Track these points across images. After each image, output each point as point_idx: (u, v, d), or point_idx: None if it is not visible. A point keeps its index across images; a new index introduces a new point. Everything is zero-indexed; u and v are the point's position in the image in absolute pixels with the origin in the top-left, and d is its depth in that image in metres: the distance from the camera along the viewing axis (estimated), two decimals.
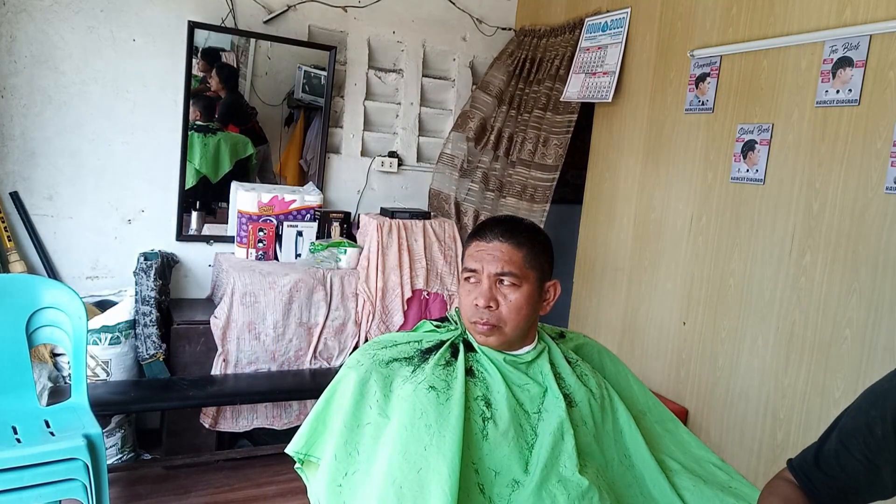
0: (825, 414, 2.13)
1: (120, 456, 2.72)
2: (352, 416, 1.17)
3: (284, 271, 2.90)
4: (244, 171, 3.25)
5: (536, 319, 1.35)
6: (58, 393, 2.43)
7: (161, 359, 2.68)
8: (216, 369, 2.78)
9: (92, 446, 1.92)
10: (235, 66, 3.19)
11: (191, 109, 3.03)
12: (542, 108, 3.27)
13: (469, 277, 1.28)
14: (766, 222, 2.34)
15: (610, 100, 3.00)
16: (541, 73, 3.35)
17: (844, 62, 2.08)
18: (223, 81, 3.17)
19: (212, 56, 3.12)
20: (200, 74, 3.08)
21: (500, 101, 3.50)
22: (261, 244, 3.07)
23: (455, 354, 1.27)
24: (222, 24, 3.02)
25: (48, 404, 2.25)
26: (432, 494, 1.06)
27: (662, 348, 2.78)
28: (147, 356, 2.66)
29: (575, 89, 3.17)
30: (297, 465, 1.27)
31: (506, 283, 1.26)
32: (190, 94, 2.99)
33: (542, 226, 3.14)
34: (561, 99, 3.22)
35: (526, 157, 3.27)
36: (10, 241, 2.74)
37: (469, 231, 1.41)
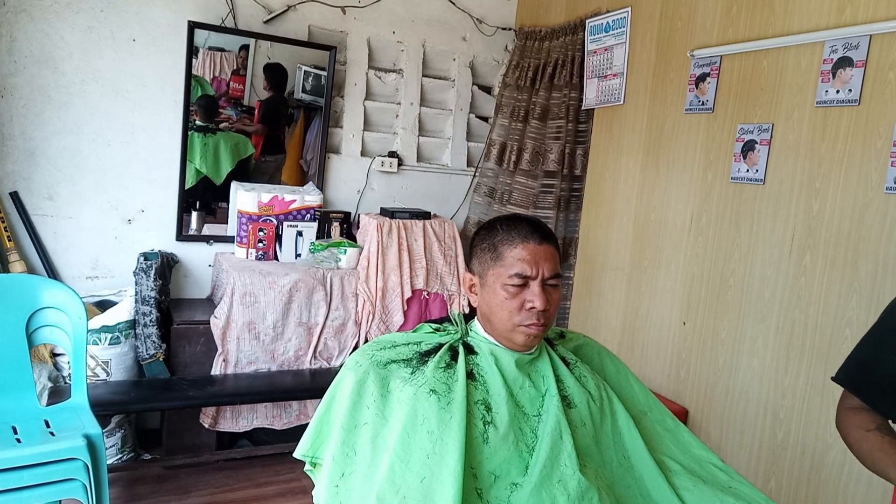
0: (825, 414, 2.13)
1: (120, 456, 2.72)
2: (349, 417, 1.17)
3: (284, 271, 2.90)
4: (244, 171, 3.26)
5: None
6: (58, 393, 2.43)
7: (161, 359, 2.68)
8: (216, 369, 2.78)
9: (92, 446, 1.92)
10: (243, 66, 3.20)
11: (191, 109, 3.03)
12: (562, 118, 3.29)
13: (519, 283, 1.23)
14: (766, 222, 2.34)
15: (622, 101, 3.01)
16: (554, 79, 3.34)
17: (844, 62, 2.08)
18: (269, 80, 3.22)
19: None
20: (236, 69, 3.14)
21: (513, 118, 3.51)
22: (261, 244, 3.07)
23: (455, 357, 1.27)
24: (222, 24, 3.02)
25: (48, 404, 2.25)
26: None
27: (662, 348, 2.78)
28: (147, 356, 2.66)
29: (592, 96, 3.20)
30: (306, 468, 1.27)
31: (552, 283, 1.25)
32: (190, 94, 2.99)
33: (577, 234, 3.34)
34: (582, 108, 3.24)
35: (552, 169, 3.29)
36: (10, 241, 2.74)
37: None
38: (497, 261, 1.26)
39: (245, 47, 3.15)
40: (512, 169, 3.44)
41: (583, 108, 3.25)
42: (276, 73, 3.24)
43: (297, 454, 1.25)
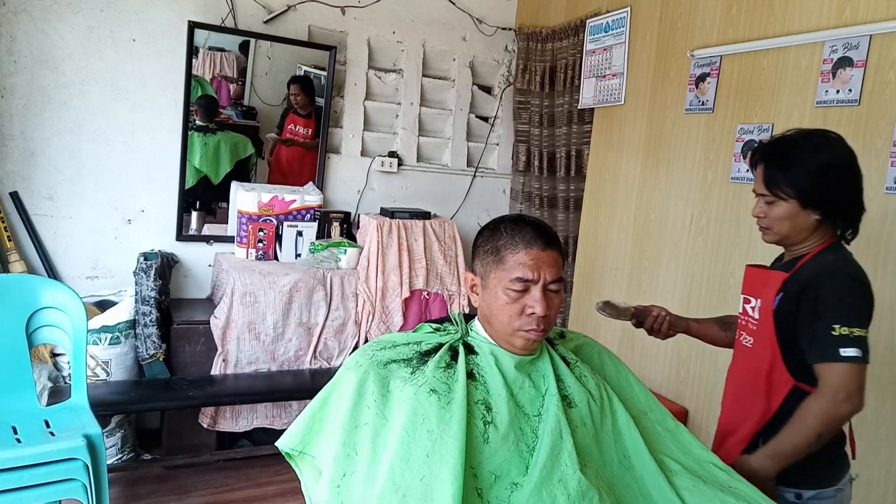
0: None
1: (120, 456, 2.72)
2: (349, 417, 1.17)
3: (284, 271, 2.89)
4: (243, 171, 3.26)
5: None
6: (58, 393, 2.43)
7: (161, 359, 2.68)
8: (216, 369, 2.78)
9: (92, 446, 1.92)
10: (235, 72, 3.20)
11: (191, 109, 3.03)
12: (567, 122, 3.35)
13: (520, 288, 1.22)
14: None
15: (623, 102, 3.01)
16: (565, 83, 3.38)
17: (844, 62, 2.08)
18: (306, 93, 3.30)
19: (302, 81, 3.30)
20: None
21: (532, 124, 3.59)
22: (261, 244, 3.07)
23: (455, 357, 1.26)
24: (222, 24, 3.02)
25: (48, 404, 2.25)
26: (436, 503, 1.05)
27: (662, 348, 2.78)
28: (147, 356, 2.66)
29: (589, 95, 3.20)
30: (288, 456, 1.26)
31: (553, 288, 1.24)
32: (190, 94, 2.99)
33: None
34: (578, 107, 3.25)
35: (563, 174, 3.40)
36: (10, 241, 2.74)
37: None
38: (499, 264, 1.25)
39: (243, 46, 3.16)
40: (547, 174, 3.51)
41: (579, 107, 3.26)
42: (309, 85, 3.30)
43: (284, 446, 1.23)
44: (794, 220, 1.44)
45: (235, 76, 3.18)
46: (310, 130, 3.34)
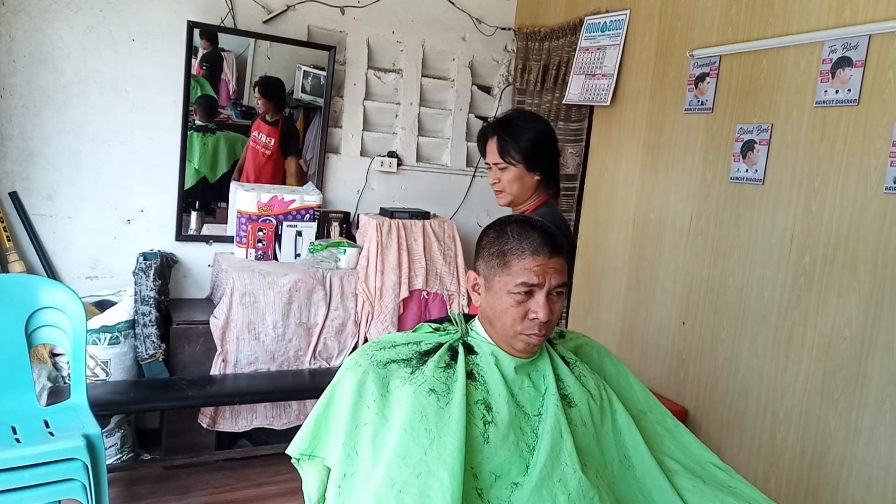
0: (825, 414, 2.13)
1: (119, 456, 2.72)
2: (350, 417, 1.17)
3: (284, 271, 2.89)
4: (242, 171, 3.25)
5: None
6: (57, 393, 2.43)
7: (160, 359, 2.68)
8: (215, 369, 2.78)
9: (91, 446, 1.91)
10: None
11: (191, 108, 3.02)
12: (554, 119, 3.33)
13: (525, 292, 1.23)
14: (765, 222, 2.34)
15: (608, 103, 3.01)
16: (557, 81, 3.37)
17: (844, 62, 2.08)
18: (267, 96, 3.19)
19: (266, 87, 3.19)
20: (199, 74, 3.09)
21: None
22: (260, 244, 3.07)
23: (454, 357, 1.27)
24: (222, 24, 3.02)
25: (48, 404, 2.25)
26: (433, 500, 1.06)
27: (662, 348, 2.78)
28: (146, 356, 2.66)
29: (576, 91, 3.19)
30: (294, 460, 1.26)
31: (556, 292, 1.25)
32: (189, 94, 2.98)
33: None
34: (564, 102, 3.25)
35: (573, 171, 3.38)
36: (9, 241, 2.74)
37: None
38: (505, 268, 1.24)
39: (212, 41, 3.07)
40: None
41: (564, 101, 3.25)
42: (273, 90, 3.20)
43: (293, 452, 1.24)
44: (521, 181, 1.83)
45: (197, 69, 3.05)
46: (273, 141, 3.21)
